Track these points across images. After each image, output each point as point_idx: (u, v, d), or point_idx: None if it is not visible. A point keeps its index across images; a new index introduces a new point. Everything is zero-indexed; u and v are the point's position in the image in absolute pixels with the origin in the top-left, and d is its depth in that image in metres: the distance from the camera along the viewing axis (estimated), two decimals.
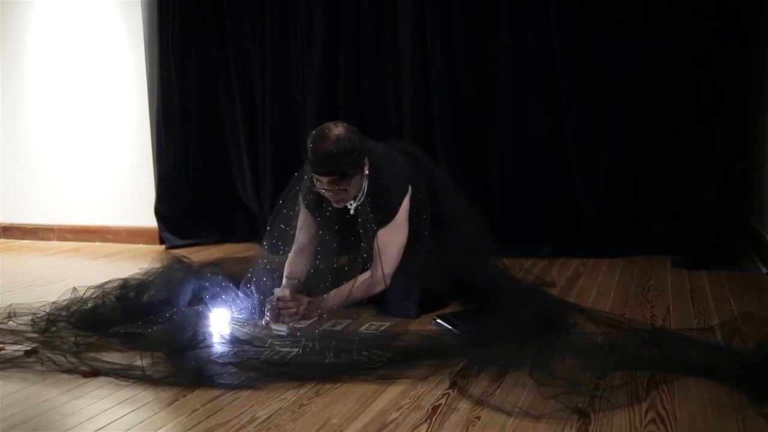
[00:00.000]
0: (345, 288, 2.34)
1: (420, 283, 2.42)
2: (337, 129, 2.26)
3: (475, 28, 3.42)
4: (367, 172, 2.34)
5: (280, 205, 2.52)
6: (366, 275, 2.36)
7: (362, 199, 2.38)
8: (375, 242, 2.36)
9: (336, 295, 2.34)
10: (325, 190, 2.30)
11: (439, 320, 2.30)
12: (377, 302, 2.48)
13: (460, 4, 3.40)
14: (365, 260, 2.41)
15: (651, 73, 3.13)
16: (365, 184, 2.37)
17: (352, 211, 2.40)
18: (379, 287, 2.37)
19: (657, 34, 3.09)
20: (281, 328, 2.22)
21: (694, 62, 3.00)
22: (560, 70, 3.26)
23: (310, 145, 2.25)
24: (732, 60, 2.92)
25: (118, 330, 2.28)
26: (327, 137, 2.23)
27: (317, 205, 2.42)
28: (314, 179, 2.31)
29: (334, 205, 2.36)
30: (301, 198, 2.47)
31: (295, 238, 2.49)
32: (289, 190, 2.53)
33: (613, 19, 3.15)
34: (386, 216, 2.37)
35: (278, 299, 2.27)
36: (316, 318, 2.33)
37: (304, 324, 2.29)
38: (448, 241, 2.49)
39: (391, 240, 2.38)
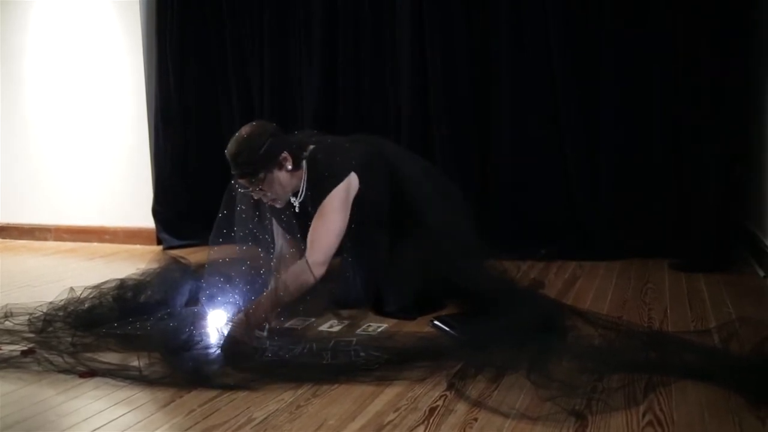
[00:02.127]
0: (271, 290, 2.25)
1: (415, 284, 2.42)
2: (245, 129, 2.27)
3: (474, 29, 3.42)
4: (290, 166, 2.29)
5: (222, 212, 2.47)
6: (293, 267, 2.27)
7: (303, 194, 2.36)
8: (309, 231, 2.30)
9: (268, 298, 2.22)
10: (250, 192, 2.29)
11: (436, 322, 2.30)
12: (374, 304, 2.48)
13: (459, 4, 3.40)
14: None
15: (650, 74, 3.13)
16: (304, 179, 2.35)
17: (296, 209, 2.39)
18: (310, 277, 2.23)
19: (656, 35, 3.09)
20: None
21: (693, 63, 3.00)
22: (559, 71, 3.26)
23: (225, 152, 2.27)
24: (731, 61, 2.92)
25: (114, 329, 2.28)
26: (235, 139, 2.25)
27: (274, 207, 2.41)
28: (237, 184, 2.30)
29: (276, 205, 2.35)
30: (268, 208, 2.45)
31: (276, 247, 2.49)
32: (226, 197, 2.47)
33: (613, 19, 3.15)
34: (317, 205, 2.33)
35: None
36: (266, 324, 2.21)
37: (263, 334, 2.17)
38: (429, 240, 2.43)
39: (318, 226, 2.29)
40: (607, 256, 3.15)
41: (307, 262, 2.24)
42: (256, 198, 2.34)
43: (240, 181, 2.27)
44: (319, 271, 2.25)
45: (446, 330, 2.23)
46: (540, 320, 2.15)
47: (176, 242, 4.06)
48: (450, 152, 3.44)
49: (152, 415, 1.73)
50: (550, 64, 3.28)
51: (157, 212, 4.13)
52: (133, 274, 2.83)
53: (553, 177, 3.34)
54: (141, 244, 4.22)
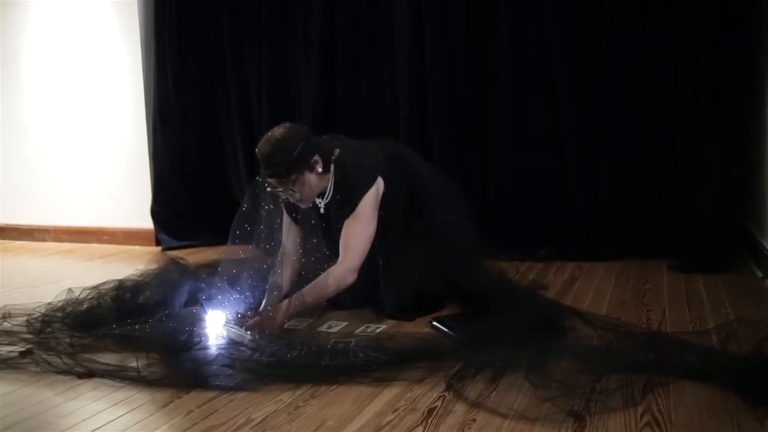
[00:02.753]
0: (309, 289, 2.30)
1: (414, 284, 2.42)
2: (279, 130, 2.29)
3: (474, 29, 3.42)
4: (320, 169, 2.32)
5: (242, 208, 2.51)
6: (331, 270, 2.32)
7: (330, 196, 2.39)
8: (341, 235, 2.35)
9: (299, 299, 2.28)
10: (277, 190, 2.31)
11: (435, 323, 2.30)
12: (373, 305, 2.48)
13: (458, 4, 3.40)
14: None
15: (650, 74, 3.13)
16: (331, 182, 2.38)
17: (322, 210, 2.41)
18: (346, 281, 2.32)
19: (656, 35, 3.09)
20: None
21: (693, 64, 3.00)
22: (558, 71, 3.26)
23: (256, 150, 2.28)
24: (731, 61, 2.92)
25: (113, 329, 2.28)
26: (268, 140, 2.27)
27: (293, 206, 2.43)
28: (267, 183, 2.32)
29: (301, 205, 2.37)
30: (283, 204, 2.47)
31: (282, 244, 2.49)
32: (251, 193, 2.51)
33: (613, 19, 3.15)
34: (348, 210, 2.36)
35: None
36: (286, 323, 2.28)
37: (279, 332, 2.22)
38: (437, 243, 2.48)
39: (353, 232, 2.35)
40: (606, 257, 3.15)
41: (346, 266, 2.30)
42: (283, 197, 2.36)
43: (270, 180, 2.29)
44: (353, 276, 2.33)
45: (445, 331, 2.23)
46: (539, 321, 2.16)
47: (175, 243, 4.07)
48: (449, 152, 3.44)
49: (151, 415, 1.72)
50: (550, 65, 3.28)
51: (155, 213, 4.13)
52: (131, 274, 2.83)
53: (553, 177, 3.35)
54: (140, 244, 4.22)
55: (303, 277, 2.43)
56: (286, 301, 2.28)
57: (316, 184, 2.34)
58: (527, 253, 3.24)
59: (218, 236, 4.05)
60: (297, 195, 2.31)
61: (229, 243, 2.51)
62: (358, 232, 2.35)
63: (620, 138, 3.21)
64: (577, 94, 3.26)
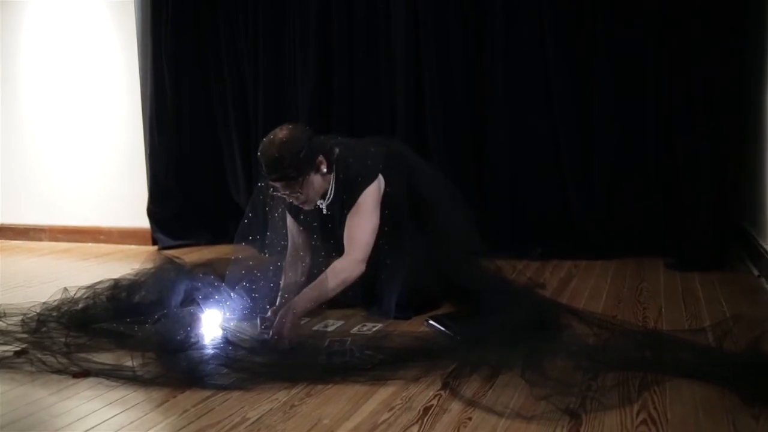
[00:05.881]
0: (319, 283, 2.26)
1: (411, 283, 2.41)
2: (282, 132, 2.23)
3: (469, 30, 3.41)
4: (324, 170, 2.29)
5: (247, 215, 2.50)
6: (336, 263, 2.30)
7: (332, 196, 2.37)
8: (345, 229, 2.33)
9: (311, 294, 2.24)
10: (282, 194, 2.29)
11: (431, 321, 2.30)
12: (370, 304, 2.48)
13: (454, 5, 3.40)
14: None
15: (645, 74, 3.13)
16: (332, 182, 2.36)
17: (324, 211, 2.40)
18: (354, 274, 2.29)
19: (651, 35, 3.09)
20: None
21: (688, 63, 3.00)
22: (554, 71, 3.26)
23: (259, 154, 2.23)
24: (727, 61, 2.92)
25: (108, 326, 2.28)
26: (272, 143, 2.21)
27: (297, 208, 2.41)
28: (271, 187, 2.30)
29: (305, 207, 2.35)
30: (287, 208, 2.46)
31: (288, 246, 2.49)
32: (254, 199, 2.50)
33: (608, 19, 3.15)
34: (352, 202, 2.34)
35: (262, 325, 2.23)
36: (299, 322, 2.25)
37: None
38: (435, 240, 2.48)
39: (356, 223, 2.33)
40: (603, 256, 3.16)
41: (352, 259, 2.29)
42: (288, 201, 2.34)
43: (275, 184, 2.25)
44: (360, 268, 2.30)
45: (441, 329, 2.22)
46: (535, 319, 2.16)
47: (171, 242, 4.06)
48: (444, 152, 3.44)
49: (146, 414, 1.72)
50: (546, 65, 3.28)
51: (151, 212, 4.12)
52: (127, 274, 2.83)
53: (549, 176, 3.35)
54: (136, 244, 4.22)
55: (314, 276, 2.41)
56: (294, 303, 2.21)
57: (320, 185, 2.32)
58: (524, 252, 3.25)
59: (214, 235, 4.07)
60: (302, 197, 2.28)
61: (234, 251, 2.49)
62: (362, 224, 2.33)
63: (616, 136, 3.21)
64: (571, 95, 3.25)
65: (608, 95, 3.19)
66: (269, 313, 2.25)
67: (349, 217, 2.34)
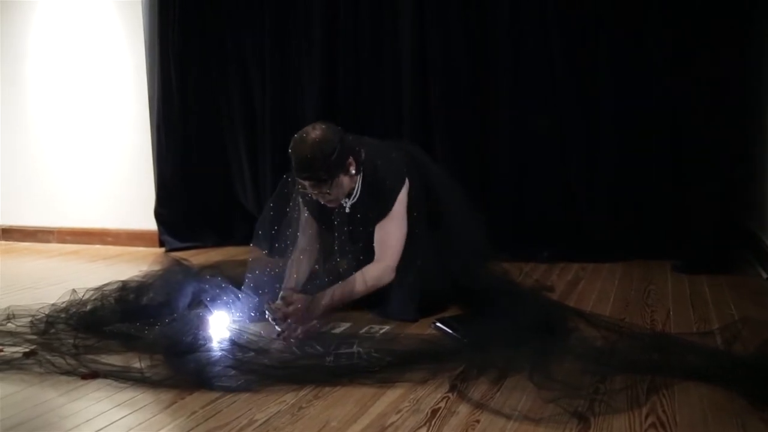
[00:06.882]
0: (348, 284, 2.29)
1: (419, 285, 2.41)
2: (315, 132, 2.23)
3: (474, 30, 3.41)
4: (353, 171, 2.31)
5: (270, 207, 2.52)
6: (369, 268, 2.33)
7: (357, 196, 2.38)
8: (375, 235, 2.36)
9: (339, 292, 2.27)
10: (311, 193, 2.31)
11: (438, 324, 2.30)
12: (377, 305, 2.48)
13: (458, 5, 3.40)
14: (360, 260, 2.39)
15: (650, 74, 3.12)
16: (359, 182, 2.37)
17: (347, 210, 2.40)
18: (384, 280, 2.34)
19: (656, 35, 3.08)
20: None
21: (693, 63, 3.00)
22: (559, 71, 3.26)
23: (290, 150, 2.24)
24: (732, 60, 2.92)
25: (117, 328, 2.29)
26: (305, 142, 2.21)
27: (318, 204, 2.42)
28: (299, 183, 2.31)
29: (331, 205, 2.37)
30: (301, 199, 2.47)
31: (297, 240, 2.49)
32: (279, 192, 2.51)
33: (612, 18, 3.15)
34: (383, 210, 2.37)
35: (277, 302, 2.25)
36: (319, 318, 2.26)
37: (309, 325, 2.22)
38: (446, 243, 2.49)
39: (391, 231, 2.37)
40: (610, 258, 3.15)
41: (386, 264, 2.34)
42: (315, 199, 2.36)
43: (306, 183, 2.26)
44: (391, 276, 2.36)
45: (448, 332, 2.22)
46: (542, 322, 2.15)
47: (178, 244, 4.07)
48: (449, 153, 3.43)
49: (154, 416, 1.72)
50: (551, 67, 3.28)
51: (159, 214, 4.13)
52: (135, 275, 2.83)
53: (554, 178, 3.34)
54: (143, 246, 4.23)
55: (315, 273, 2.44)
56: (322, 295, 2.24)
57: (348, 185, 2.33)
58: (531, 254, 3.24)
59: (222, 237, 4.09)
60: (329, 197, 2.30)
61: (252, 243, 2.52)
62: (395, 230, 2.37)
63: (621, 138, 3.20)
64: (576, 95, 3.25)
65: (614, 95, 3.18)
66: (279, 300, 2.26)
67: (382, 223, 2.37)
